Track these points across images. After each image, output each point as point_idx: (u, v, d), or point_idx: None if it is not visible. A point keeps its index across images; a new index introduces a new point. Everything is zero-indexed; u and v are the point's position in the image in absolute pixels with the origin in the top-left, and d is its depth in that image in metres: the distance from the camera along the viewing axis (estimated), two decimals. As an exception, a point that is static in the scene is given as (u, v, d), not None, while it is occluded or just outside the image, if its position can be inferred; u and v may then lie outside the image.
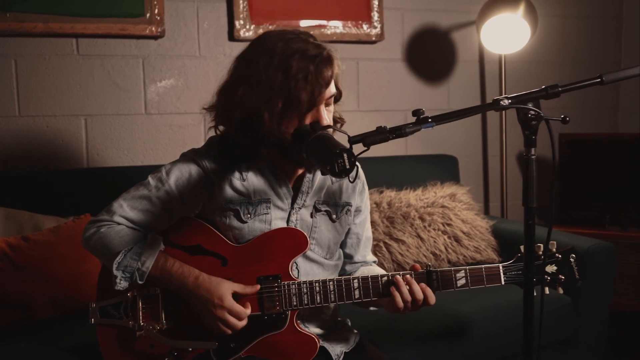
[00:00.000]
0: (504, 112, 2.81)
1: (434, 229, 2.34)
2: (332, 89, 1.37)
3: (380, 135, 1.19)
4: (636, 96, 3.25)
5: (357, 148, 1.22)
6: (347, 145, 1.21)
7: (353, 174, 1.21)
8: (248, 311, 1.38)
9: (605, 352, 2.28)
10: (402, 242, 2.28)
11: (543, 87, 1.22)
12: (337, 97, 1.44)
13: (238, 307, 1.36)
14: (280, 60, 1.32)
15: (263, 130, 1.35)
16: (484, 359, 1.92)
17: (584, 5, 3.21)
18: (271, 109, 1.33)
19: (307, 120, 1.34)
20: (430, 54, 2.90)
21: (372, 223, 2.28)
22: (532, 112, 1.20)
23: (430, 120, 1.20)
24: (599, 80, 1.23)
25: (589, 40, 3.24)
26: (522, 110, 1.20)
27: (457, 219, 2.38)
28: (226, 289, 1.36)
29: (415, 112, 1.21)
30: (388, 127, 1.21)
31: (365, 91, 2.79)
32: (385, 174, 2.51)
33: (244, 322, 1.38)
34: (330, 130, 1.36)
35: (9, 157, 2.26)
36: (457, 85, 2.96)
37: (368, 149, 1.20)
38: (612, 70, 1.24)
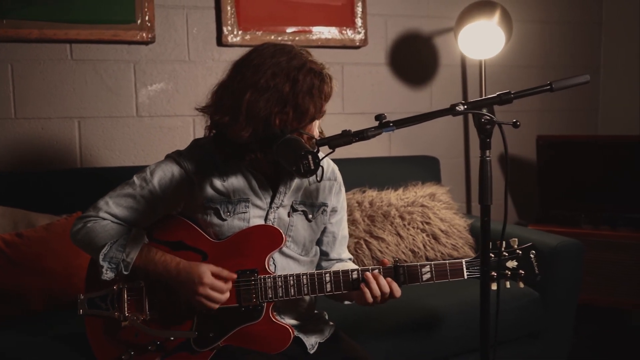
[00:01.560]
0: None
1: (413, 227, 2.40)
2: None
3: (345, 138, 1.28)
4: (615, 99, 3.34)
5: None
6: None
7: (318, 173, 1.30)
8: (229, 286, 1.44)
9: (576, 346, 2.36)
10: (382, 240, 2.34)
11: (496, 94, 1.32)
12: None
13: (218, 282, 1.43)
14: (286, 72, 1.41)
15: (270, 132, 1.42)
16: (455, 349, 2.01)
17: (563, 11, 3.28)
18: (282, 117, 1.42)
19: (307, 130, 1.45)
20: (413, 58, 2.97)
21: (354, 221, 2.35)
22: (486, 117, 1.29)
23: (391, 124, 1.30)
24: (549, 87, 1.32)
25: (569, 44, 3.31)
26: (477, 115, 1.30)
27: (435, 218, 2.45)
28: (205, 267, 1.44)
29: (378, 117, 1.30)
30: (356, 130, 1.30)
31: (350, 94, 2.86)
32: (368, 174, 2.57)
33: (226, 296, 1.44)
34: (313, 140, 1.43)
35: (5, 158, 2.33)
36: (439, 88, 3.03)
37: (333, 150, 1.29)
38: (562, 78, 1.33)
